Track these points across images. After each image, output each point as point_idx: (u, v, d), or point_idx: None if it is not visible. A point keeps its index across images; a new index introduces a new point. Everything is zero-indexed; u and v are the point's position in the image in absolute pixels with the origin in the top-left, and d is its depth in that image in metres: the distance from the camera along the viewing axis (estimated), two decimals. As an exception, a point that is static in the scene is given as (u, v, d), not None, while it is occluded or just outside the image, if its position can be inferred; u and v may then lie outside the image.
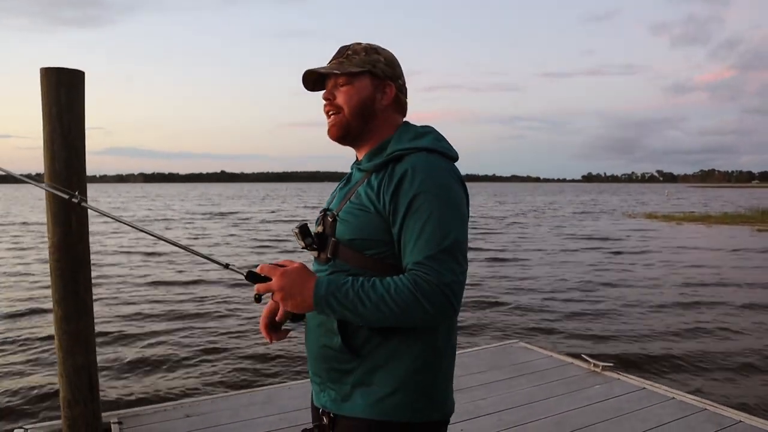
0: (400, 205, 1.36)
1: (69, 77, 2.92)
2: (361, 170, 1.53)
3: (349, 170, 1.67)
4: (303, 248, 1.52)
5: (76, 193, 1.79)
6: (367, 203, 1.42)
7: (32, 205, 48.14)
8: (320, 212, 1.58)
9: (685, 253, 16.87)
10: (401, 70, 1.57)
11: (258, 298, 1.40)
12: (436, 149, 1.45)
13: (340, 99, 1.50)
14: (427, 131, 1.53)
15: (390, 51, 1.57)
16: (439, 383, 1.46)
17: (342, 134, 1.53)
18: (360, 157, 1.58)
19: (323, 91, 1.55)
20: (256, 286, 1.37)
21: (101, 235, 21.19)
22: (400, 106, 1.57)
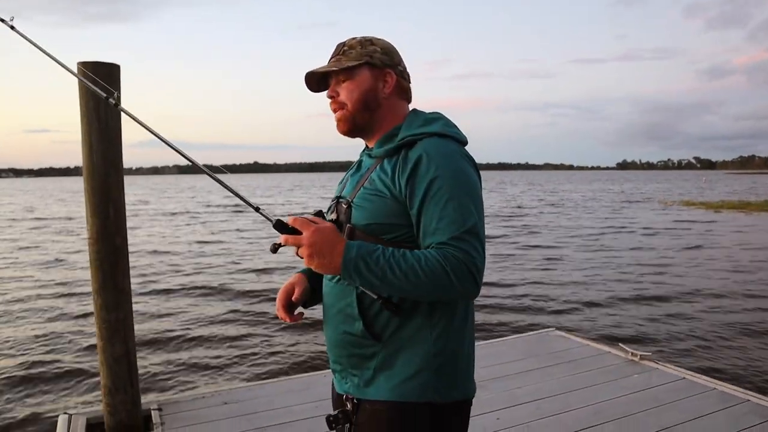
0: (418, 189, 1.38)
1: (105, 71, 2.96)
2: (371, 157, 1.55)
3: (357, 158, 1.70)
4: None
5: (115, 94, 1.72)
6: (382, 188, 1.44)
7: (67, 199, 49.28)
8: (332, 200, 1.60)
9: (726, 240, 16.48)
10: (400, 57, 1.58)
11: (275, 249, 1.39)
12: (447, 134, 1.48)
13: (343, 95, 1.52)
14: (437, 117, 1.54)
15: (386, 40, 1.58)
16: (460, 364, 1.47)
17: (349, 128, 1.55)
18: (370, 145, 1.60)
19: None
20: (284, 237, 1.36)
21: (138, 229, 21.61)
22: (404, 92, 1.59)
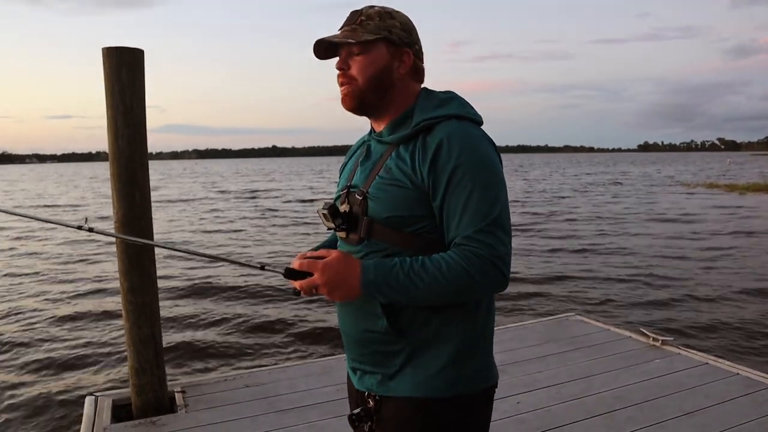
0: (441, 178, 1.31)
1: (130, 56, 2.99)
2: (382, 143, 1.45)
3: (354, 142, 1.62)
4: (329, 229, 1.47)
5: (85, 220, 1.66)
6: (401, 178, 1.35)
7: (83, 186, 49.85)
8: (342, 190, 1.50)
9: (753, 223, 16.23)
10: (417, 34, 1.47)
11: (297, 292, 1.36)
12: (464, 115, 1.40)
13: (354, 69, 1.41)
14: (451, 96, 1.46)
15: (405, 14, 1.46)
16: (485, 353, 1.45)
17: (355, 106, 1.44)
18: (378, 129, 1.49)
19: (336, 60, 1.46)
20: (298, 284, 1.32)
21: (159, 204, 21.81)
22: (418, 73, 1.47)
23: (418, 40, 1.47)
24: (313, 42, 1.44)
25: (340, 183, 1.56)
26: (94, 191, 37.74)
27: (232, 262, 1.49)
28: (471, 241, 1.27)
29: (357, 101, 1.42)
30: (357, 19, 1.41)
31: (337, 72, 1.44)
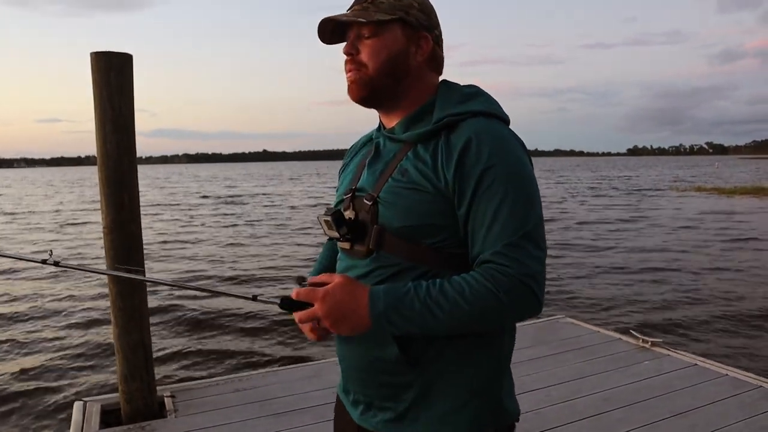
0: (467, 182, 1.14)
1: (118, 61, 2.99)
2: (395, 140, 1.27)
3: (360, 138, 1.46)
4: (330, 239, 1.33)
5: (50, 253, 1.58)
6: (421, 181, 1.17)
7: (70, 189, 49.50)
8: (345, 194, 1.31)
9: (739, 226, 16.35)
10: (437, 18, 1.29)
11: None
12: (493, 113, 1.22)
13: (365, 54, 1.23)
14: (476, 91, 1.28)
15: None
16: (506, 383, 1.29)
17: (365, 95, 1.25)
18: (389, 125, 1.31)
19: (343, 44, 1.28)
20: (297, 315, 1.16)
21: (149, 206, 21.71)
22: (437, 62, 1.29)
23: (438, 24, 1.30)
24: (318, 22, 1.27)
25: (342, 186, 1.37)
26: (79, 195, 37.54)
27: (224, 294, 1.37)
28: (498, 257, 1.11)
29: (366, 90, 1.25)
30: None
31: (345, 57, 1.27)
